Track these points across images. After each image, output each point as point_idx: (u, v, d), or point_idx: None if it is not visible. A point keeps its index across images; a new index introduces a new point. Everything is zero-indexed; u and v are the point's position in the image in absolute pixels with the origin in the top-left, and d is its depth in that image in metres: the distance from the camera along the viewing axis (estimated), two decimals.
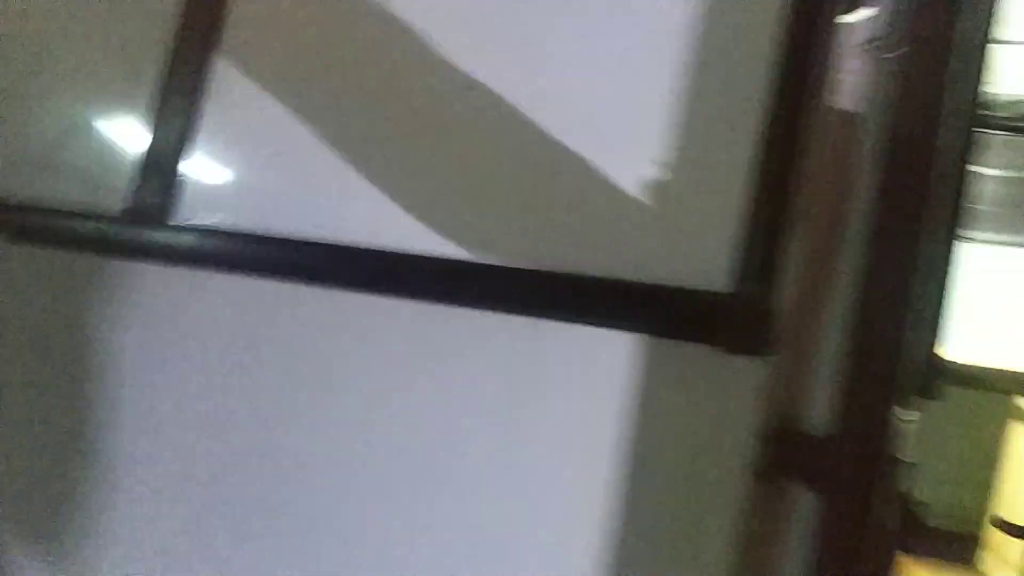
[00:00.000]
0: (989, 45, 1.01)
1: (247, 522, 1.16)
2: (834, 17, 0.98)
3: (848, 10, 1.00)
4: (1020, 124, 3.00)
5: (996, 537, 2.35)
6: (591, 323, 1.02)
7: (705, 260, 0.97)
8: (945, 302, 0.98)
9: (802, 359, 0.95)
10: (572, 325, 1.03)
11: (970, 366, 3.30)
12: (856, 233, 0.93)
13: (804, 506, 0.94)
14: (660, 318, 0.99)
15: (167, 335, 1.23)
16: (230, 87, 1.24)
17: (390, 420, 1.09)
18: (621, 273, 1.00)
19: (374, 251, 1.11)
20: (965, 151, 0.97)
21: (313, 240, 1.14)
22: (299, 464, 1.13)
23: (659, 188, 0.99)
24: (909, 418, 0.90)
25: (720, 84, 0.98)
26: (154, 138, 1.27)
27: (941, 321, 0.99)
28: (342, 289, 1.14)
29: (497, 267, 1.06)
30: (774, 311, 0.93)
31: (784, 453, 0.94)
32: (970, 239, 3.45)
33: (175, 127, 1.25)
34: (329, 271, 1.14)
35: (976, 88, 0.99)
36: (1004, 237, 3.68)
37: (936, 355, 0.98)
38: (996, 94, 2.95)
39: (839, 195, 0.95)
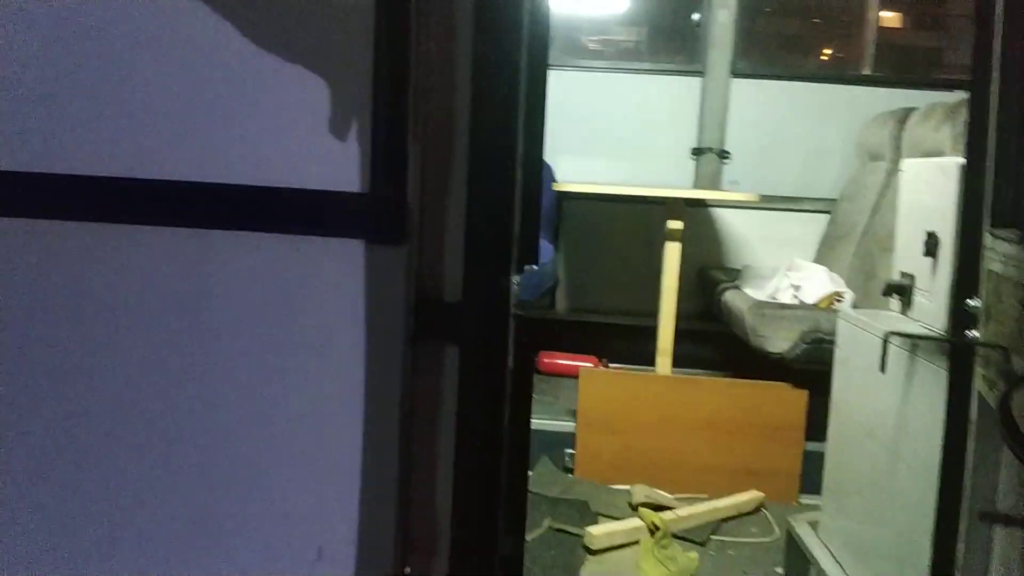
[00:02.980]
0: None
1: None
2: None
3: None
4: None
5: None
6: (265, 230, 1.11)
7: (344, 166, 1.09)
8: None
9: (435, 242, 1.14)
10: (250, 233, 1.11)
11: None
12: (465, 134, 1.12)
13: (452, 360, 1.16)
14: (314, 219, 1.11)
15: None
16: None
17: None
18: (281, 182, 1.10)
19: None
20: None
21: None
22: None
23: (301, 111, 1.08)
24: (517, 281, 1.15)
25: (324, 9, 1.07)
26: None
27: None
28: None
29: (170, 182, 1.09)
30: (406, 206, 1.09)
31: (430, 319, 1.14)
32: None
33: None
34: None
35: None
36: None
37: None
38: None
39: (448, 101, 1.12)
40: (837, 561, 1.74)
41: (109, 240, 1.10)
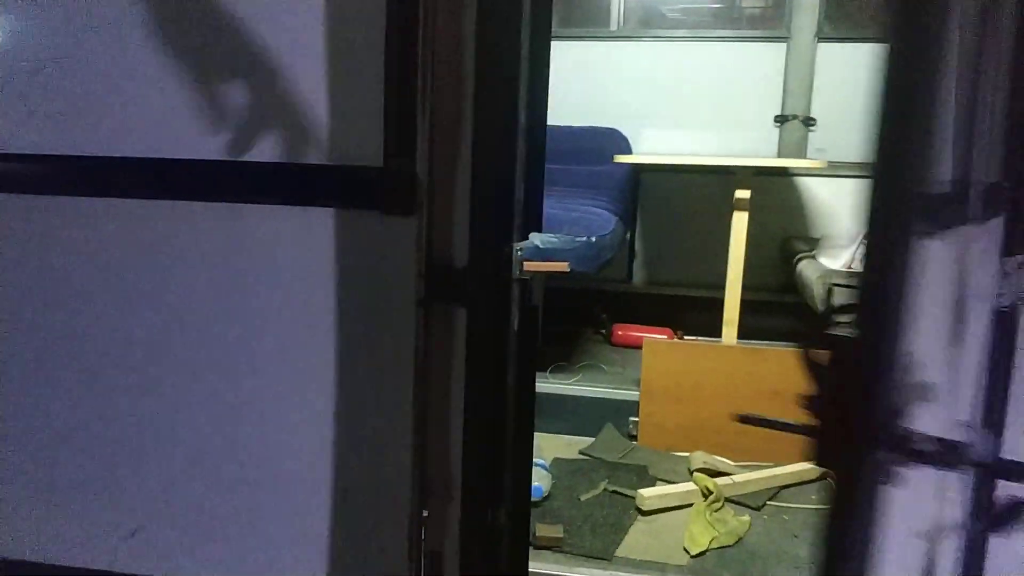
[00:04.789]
0: None
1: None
2: None
3: None
4: None
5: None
6: (285, 203, 1.24)
7: (361, 144, 1.20)
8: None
9: (444, 212, 1.24)
10: (270, 207, 1.24)
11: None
12: (470, 110, 1.20)
13: (460, 321, 1.26)
14: (333, 192, 1.22)
15: None
16: None
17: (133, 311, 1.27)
18: (302, 159, 1.23)
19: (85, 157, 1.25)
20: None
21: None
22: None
23: (320, 94, 1.20)
24: (520, 247, 1.23)
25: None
26: None
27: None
28: (61, 195, 1.28)
29: (202, 160, 1.24)
30: (416, 178, 1.19)
31: (440, 284, 1.24)
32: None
33: None
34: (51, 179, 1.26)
35: None
36: None
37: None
38: None
39: (455, 79, 1.21)
40: None
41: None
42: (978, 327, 0.93)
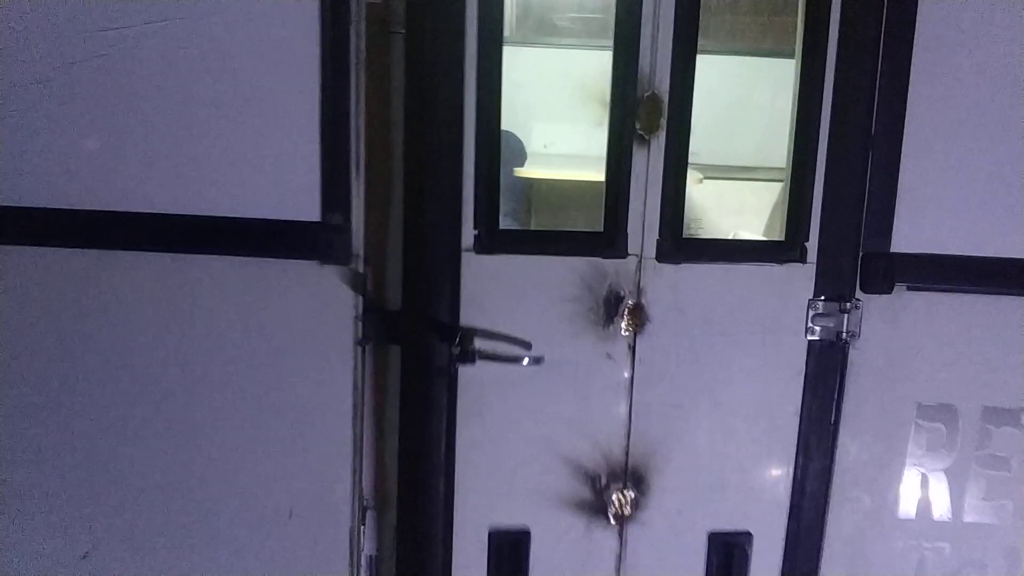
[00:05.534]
0: None
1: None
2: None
3: None
4: None
5: None
6: (231, 254, 1.34)
7: (300, 200, 1.32)
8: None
9: (378, 260, 1.38)
10: (218, 257, 1.34)
11: None
12: (400, 169, 1.35)
13: (395, 358, 1.42)
14: (276, 245, 1.34)
15: None
16: None
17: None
18: (249, 214, 1.33)
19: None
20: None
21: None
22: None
23: (266, 158, 1.31)
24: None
25: (279, 67, 1.28)
26: None
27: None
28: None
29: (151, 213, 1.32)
30: (351, 231, 1.32)
31: (375, 325, 1.39)
32: None
33: None
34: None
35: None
36: None
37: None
38: None
39: (387, 142, 1.35)
40: None
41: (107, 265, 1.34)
42: None
